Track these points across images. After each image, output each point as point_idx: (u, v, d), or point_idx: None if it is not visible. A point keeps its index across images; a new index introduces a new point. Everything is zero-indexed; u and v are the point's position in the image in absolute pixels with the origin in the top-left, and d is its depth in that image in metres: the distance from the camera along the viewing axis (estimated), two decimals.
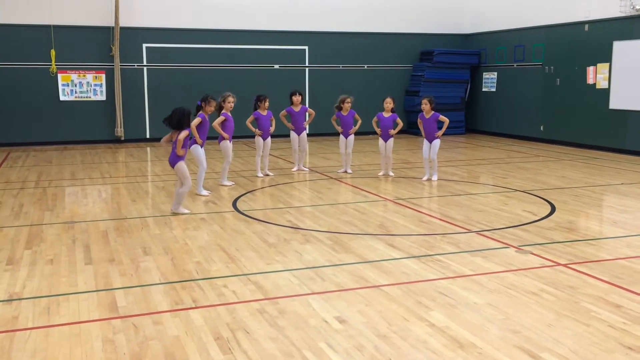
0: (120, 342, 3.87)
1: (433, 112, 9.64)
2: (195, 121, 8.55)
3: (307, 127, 11.03)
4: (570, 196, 8.50)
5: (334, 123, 10.67)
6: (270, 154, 11.44)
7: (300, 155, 10.82)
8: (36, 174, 10.65)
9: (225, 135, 9.18)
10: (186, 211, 7.53)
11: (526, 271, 5.23)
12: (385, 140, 10.07)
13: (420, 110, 9.91)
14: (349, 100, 10.42)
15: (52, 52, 14.70)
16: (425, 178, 9.84)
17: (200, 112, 8.64)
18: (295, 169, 10.85)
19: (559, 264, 5.42)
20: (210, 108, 8.69)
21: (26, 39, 14.54)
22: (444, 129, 9.68)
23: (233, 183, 9.52)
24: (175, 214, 7.46)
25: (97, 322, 4.18)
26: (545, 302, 4.50)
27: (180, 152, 7.31)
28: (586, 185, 9.40)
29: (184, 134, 7.26)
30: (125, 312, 4.35)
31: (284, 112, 10.72)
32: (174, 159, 7.38)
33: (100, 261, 5.58)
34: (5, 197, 8.60)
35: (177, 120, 7.26)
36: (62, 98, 14.96)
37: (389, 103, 10.07)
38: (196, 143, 8.62)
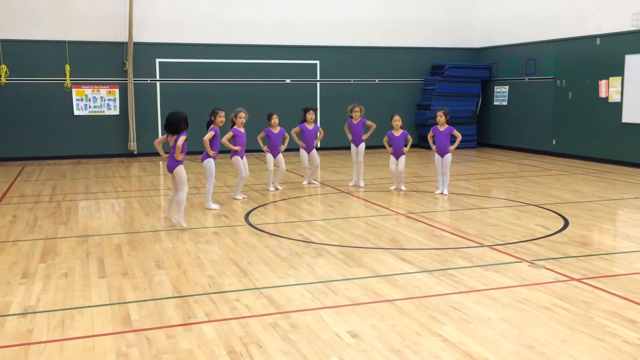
0: (134, 355, 3.89)
1: (447, 125, 9.64)
2: (209, 135, 8.62)
3: (318, 144, 11.05)
4: (583, 210, 8.46)
5: (346, 131, 10.68)
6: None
7: (312, 169, 10.85)
8: (50, 188, 10.75)
9: (235, 148, 9.23)
10: (184, 224, 7.48)
11: (540, 286, 5.20)
12: (397, 158, 10.06)
13: (433, 124, 9.91)
14: (357, 109, 10.43)
15: (67, 67, 14.89)
16: (438, 192, 9.82)
17: (212, 126, 8.71)
18: (305, 182, 10.88)
19: (572, 279, 5.39)
20: (221, 119, 8.75)
21: (41, 54, 14.73)
22: (456, 144, 9.66)
23: (245, 197, 9.56)
24: (173, 225, 7.45)
25: (111, 336, 4.20)
26: (559, 317, 4.48)
27: (179, 157, 7.31)
28: (599, 199, 9.35)
29: (182, 139, 7.25)
30: (139, 326, 4.37)
31: (296, 129, 10.73)
32: (172, 164, 7.38)
33: (114, 275, 5.62)
34: (20, 211, 8.69)
35: (174, 125, 7.27)
36: (76, 113, 15.12)
37: (397, 121, 10.00)
38: (209, 157, 8.68)
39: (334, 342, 4.07)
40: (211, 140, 8.66)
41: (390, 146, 10.10)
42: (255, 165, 13.39)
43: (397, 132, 10.04)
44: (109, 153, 15.41)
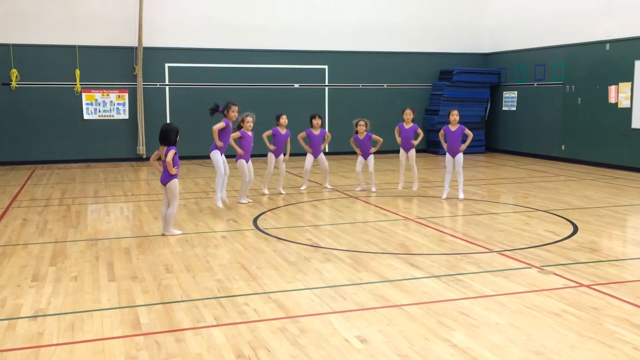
0: (143, 359, 3.90)
1: (459, 125, 9.69)
2: (219, 125, 8.62)
3: (326, 148, 11.10)
4: (592, 216, 8.42)
5: (353, 145, 10.68)
6: (288, 172, 11.49)
7: (323, 175, 10.93)
8: (60, 192, 10.81)
9: (239, 151, 9.26)
10: (178, 232, 7.46)
11: (549, 292, 5.19)
12: (407, 151, 10.11)
13: (441, 124, 9.95)
14: (362, 123, 10.36)
15: (77, 72, 14.99)
16: (444, 196, 9.82)
17: (224, 118, 8.75)
18: (303, 188, 10.82)
19: (582, 285, 5.37)
20: (233, 113, 8.79)
21: (52, 59, 14.84)
22: (467, 142, 9.70)
23: (250, 201, 9.59)
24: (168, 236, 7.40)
25: (121, 339, 4.22)
26: (569, 323, 4.46)
27: (172, 171, 7.23)
28: (609, 205, 9.31)
29: (170, 154, 7.15)
30: (148, 329, 4.39)
31: (303, 134, 10.77)
32: (166, 178, 7.30)
33: (123, 278, 5.65)
34: (30, 214, 8.74)
35: (162, 135, 7.20)
36: (86, 117, 15.21)
37: (408, 114, 10.12)
38: (216, 149, 8.65)
39: (343, 347, 4.07)
40: (221, 133, 8.66)
41: (399, 136, 10.17)
42: (262, 170, 13.41)
43: (408, 125, 10.11)
44: (118, 157, 15.49)
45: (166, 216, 7.41)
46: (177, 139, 7.33)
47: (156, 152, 7.41)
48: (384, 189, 10.91)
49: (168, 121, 15.56)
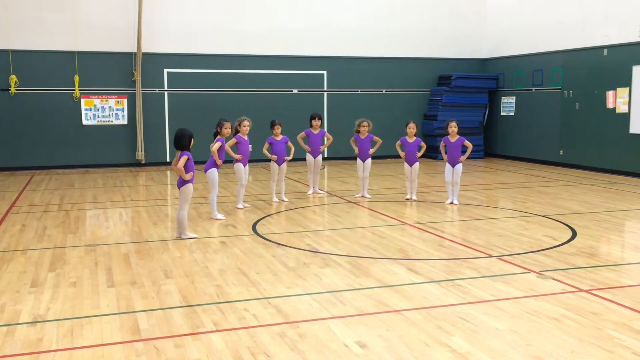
0: None
1: (458, 136, 9.72)
2: (217, 145, 8.69)
3: (325, 151, 11.07)
4: (591, 221, 8.43)
5: (353, 144, 10.73)
6: (287, 177, 11.48)
7: (314, 177, 10.89)
8: (59, 197, 10.80)
9: (236, 156, 9.28)
10: (194, 235, 7.52)
11: (548, 297, 5.19)
12: (411, 165, 10.12)
13: (442, 135, 9.97)
14: (365, 124, 10.42)
15: (76, 78, 15.00)
16: (448, 202, 9.83)
17: (219, 137, 8.79)
18: (310, 192, 10.89)
19: (581, 290, 5.37)
20: (227, 130, 8.84)
21: (51, 64, 14.85)
22: (467, 153, 9.76)
23: (248, 205, 9.60)
24: (183, 239, 7.45)
25: (120, 345, 4.22)
26: (568, 328, 4.46)
27: (186, 177, 7.29)
28: (607, 210, 9.32)
29: (182, 161, 7.22)
30: (147, 335, 4.39)
31: (302, 134, 10.83)
32: (180, 182, 7.40)
33: (122, 284, 5.64)
34: (29, 220, 8.73)
35: (175, 141, 7.32)
36: (84, 122, 15.21)
37: (412, 128, 10.11)
38: (212, 167, 8.72)
39: (342, 352, 4.07)
40: (219, 150, 8.74)
41: (402, 151, 10.16)
42: (261, 175, 13.43)
43: (411, 139, 10.10)
44: (117, 162, 15.48)
45: (179, 220, 7.45)
46: (192, 144, 7.38)
47: (175, 157, 7.48)
48: (383, 194, 10.92)
49: (167, 127, 15.60)
